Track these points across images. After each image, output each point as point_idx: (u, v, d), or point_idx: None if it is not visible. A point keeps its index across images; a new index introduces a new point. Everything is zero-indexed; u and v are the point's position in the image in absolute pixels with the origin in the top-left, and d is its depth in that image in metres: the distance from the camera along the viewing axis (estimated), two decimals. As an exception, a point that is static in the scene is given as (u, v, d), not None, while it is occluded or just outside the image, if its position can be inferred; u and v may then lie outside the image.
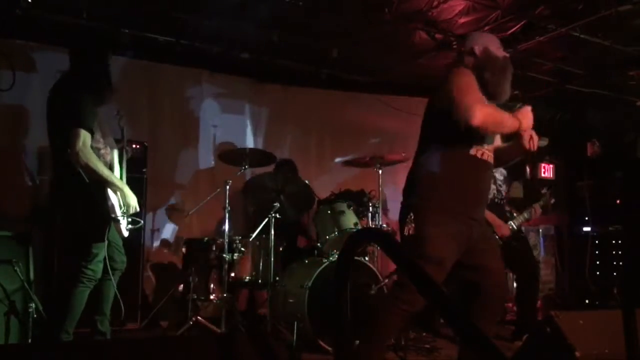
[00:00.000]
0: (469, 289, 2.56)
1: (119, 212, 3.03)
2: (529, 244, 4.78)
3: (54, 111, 3.09)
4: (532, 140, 2.51)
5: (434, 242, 2.41)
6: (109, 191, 3.02)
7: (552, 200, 4.52)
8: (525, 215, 4.36)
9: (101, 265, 3.04)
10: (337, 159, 6.29)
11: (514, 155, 2.74)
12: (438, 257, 2.41)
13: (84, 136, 2.90)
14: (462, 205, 2.50)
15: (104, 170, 2.98)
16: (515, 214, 4.38)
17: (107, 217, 2.98)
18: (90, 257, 3.00)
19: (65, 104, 3.00)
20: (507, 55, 2.70)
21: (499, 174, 4.43)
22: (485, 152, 2.57)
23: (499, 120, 2.44)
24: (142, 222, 3.20)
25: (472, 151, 2.52)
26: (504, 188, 4.44)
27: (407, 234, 2.46)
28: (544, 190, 4.57)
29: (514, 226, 4.28)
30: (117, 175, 3.16)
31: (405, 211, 2.54)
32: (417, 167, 2.60)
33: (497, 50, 2.67)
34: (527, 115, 2.52)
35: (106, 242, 3.02)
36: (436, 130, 2.55)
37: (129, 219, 3.11)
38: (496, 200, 4.33)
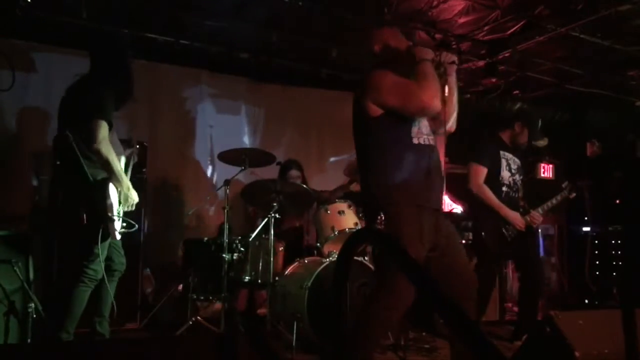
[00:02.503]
0: None
1: (115, 212, 3.03)
2: (537, 243, 4.67)
3: (71, 109, 3.12)
4: (443, 55, 2.60)
5: (407, 240, 2.38)
6: (110, 189, 3.02)
7: (573, 195, 4.37)
8: (539, 210, 4.24)
9: (102, 265, 3.04)
10: (332, 159, 6.30)
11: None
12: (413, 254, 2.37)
13: (105, 128, 2.97)
14: (423, 197, 2.49)
15: (116, 164, 3.05)
16: (528, 209, 4.25)
17: (105, 216, 2.98)
18: (92, 257, 3.02)
19: (88, 98, 3.04)
20: (410, 43, 2.71)
21: (513, 162, 4.27)
22: (424, 138, 2.58)
23: (432, 80, 2.48)
24: (137, 226, 3.19)
25: (415, 140, 2.55)
26: (518, 178, 4.27)
27: None
28: (564, 184, 4.45)
29: (527, 221, 4.16)
30: (112, 186, 3.11)
31: (373, 213, 2.51)
32: (372, 170, 2.57)
33: (399, 42, 2.69)
34: (424, 51, 2.58)
35: (107, 241, 3.03)
36: (374, 131, 2.55)
37: (124, 224, 3.11)
38: (511, 194, 4.19)
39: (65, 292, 3.03)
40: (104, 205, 2.99)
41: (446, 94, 2.61)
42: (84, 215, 2.99)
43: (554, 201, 4.34)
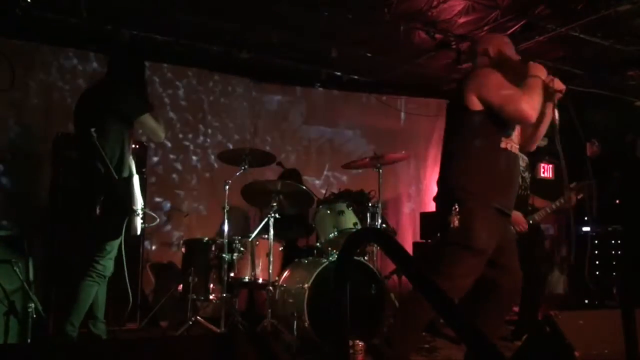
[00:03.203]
0: (483, 285, 2.61)
1: (139, 206, 3.08)
2: (544, 241, 4.65)
3: (96, 108, 3.17)
4: (555, 82, 2.65)
5: (479, 234, 2.47)
6: (135, 183, 3.09)
7: (580, 196, 4.25)
8: (547, 209, 4.22)
9: (112, 262, 3.11)
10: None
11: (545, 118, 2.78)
12: (481, 248, 2.48)
13: (150, 118, 3.17)
14: (500, 200, 2.57)
15: (160, 127, 3.29)
16: (537, 207, 4.24)
17: (131, 210, 3.03)
18: (103, 253, 3.07)
19: (119, 100, 3.15)
20: (520, 58, 2.78)
21: (521, 160, 4.22)
22: (513, 145, 2.66)
23: (537, 95, 2.54)
24: (158, 219, 3.24)
25: (503, 144, 2.61)
26: (527, 176, 4.23)
27: (452, 225, 2.49)
28: (573, 185, 4.40)
29: (535, 220, 4.16)
30: (136, 180, 3.19)
31: (448, 203, 2.55)
32: (456, 161, 2.62)
33: (511, 53, 2.77)
34: (538, 68, 2.62)
35: (121, 238, 3.09)
36: (468, 125, 2.60)
37: (142, 221, 3.15)
38: (520, 191, 4.10)
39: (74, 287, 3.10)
40: (130, 200, 3.05)
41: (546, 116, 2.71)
42: (99, 211, 3.03)
43: (559, 202, 4.30)
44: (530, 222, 4.13)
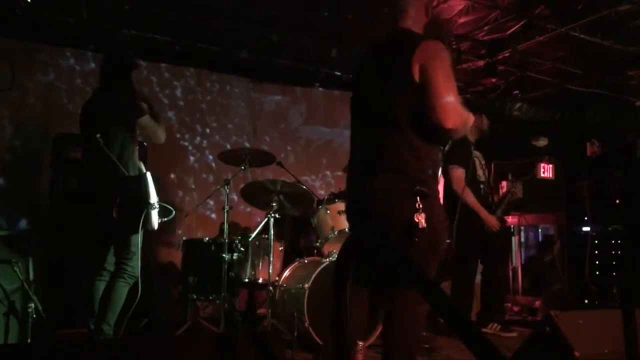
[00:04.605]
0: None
1: (154, 200, 3.14)
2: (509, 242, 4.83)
3: (98, 115, 3.27)
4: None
5: (442, 232, 2.18)
6: (148, 179, 3.15)
7: (518, 195, 4.55)
8: (504, 205, 4.46)
9: (139, 262, 3.20)
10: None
11: None
12: (443, 248, 2.21)
13: (147, 118, 3.30)
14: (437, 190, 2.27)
15: (161, 128, 3.43)
16: (499, 203, 4.46)
17: (147, 203, 3.09)
18: (130, 255, 3.15)
19: (114, 105, 3.26)
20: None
21: (482, 158, 4.45)
22: None
23: (466, 123, 2.16)
24: (174, 212, 3.28)
25: None
26: (487, 173, 4.45)
27: (419, 227, 2.01)
28: (510, 177, 4.61)
29: (499, 216, 4.39)
30: (149, 176, 3.22)
31: (407, 196, 2.07)
32: (409, 141, 2.12)
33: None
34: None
35: (141, 237, 3.15)
36: (416, 102, 2.10)
37: (158, 215, 3.21)
38: (486, 190, 4.34)
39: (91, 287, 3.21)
40: (144, 195, 3.11)
41: None
42: (116, 212, 3.09)
43: (510, 196, 4.52)
44: (497, 218, 4.35)
